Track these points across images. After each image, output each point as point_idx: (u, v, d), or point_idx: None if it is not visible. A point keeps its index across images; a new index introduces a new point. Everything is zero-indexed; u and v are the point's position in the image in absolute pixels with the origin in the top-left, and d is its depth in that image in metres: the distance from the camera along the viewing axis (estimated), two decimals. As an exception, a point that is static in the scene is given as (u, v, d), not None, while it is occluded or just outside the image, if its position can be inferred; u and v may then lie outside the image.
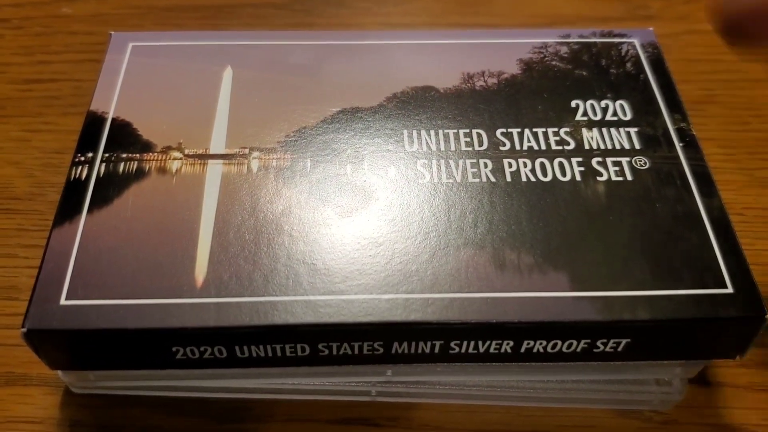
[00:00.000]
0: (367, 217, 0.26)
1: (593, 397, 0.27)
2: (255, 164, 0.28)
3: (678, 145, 0.29)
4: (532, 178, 0.27)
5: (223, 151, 0.29)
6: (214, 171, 0.28)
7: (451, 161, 0.28)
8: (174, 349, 0.24)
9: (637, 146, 0.29)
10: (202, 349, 0.25)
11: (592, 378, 0.27)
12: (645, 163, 0.28)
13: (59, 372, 0.26)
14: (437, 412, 0.27)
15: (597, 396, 0.27)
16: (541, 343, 0.24)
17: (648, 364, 0.26)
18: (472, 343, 0.24)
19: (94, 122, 0.29)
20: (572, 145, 0.28)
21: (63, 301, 0.24)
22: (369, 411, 0.27)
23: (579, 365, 0.26)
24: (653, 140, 0.29)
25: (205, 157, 0.28)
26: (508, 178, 0.27)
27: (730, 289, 0.24)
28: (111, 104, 0.30)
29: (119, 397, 0.28)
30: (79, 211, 0.26)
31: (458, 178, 0.27)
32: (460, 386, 0.27)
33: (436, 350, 0.25)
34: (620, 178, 0.27)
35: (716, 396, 0.28)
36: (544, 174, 0.28)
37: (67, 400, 0.28)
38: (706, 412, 0.28)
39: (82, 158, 0.28)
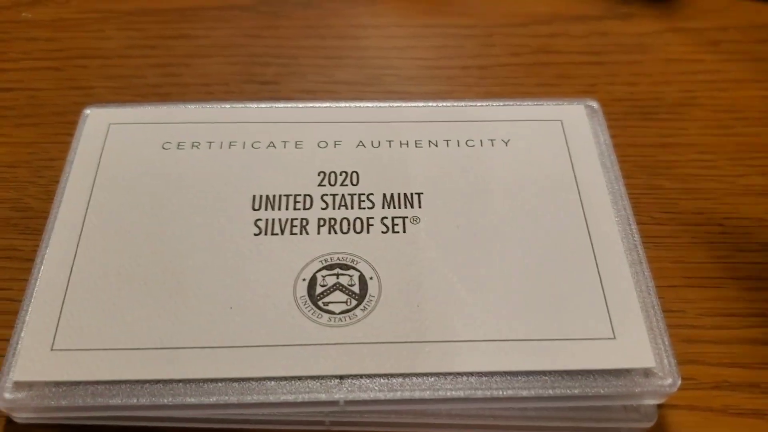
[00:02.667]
0: None
1: (557, 425, 0.26)
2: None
3: None
4: None
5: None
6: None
7: None
8: None
9: None
10: None
11: (556, 405, 0.25)
12: None
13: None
14: (395, 441, 0.26)
15: (561, 424, 0.26)
16: None
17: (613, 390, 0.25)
18: None
19: None
20: None
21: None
22: (323, 440, 0.26)
23: (542, 393, 0.25)
24: None
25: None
26: None
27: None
28: None
29: (67, 426, 0.26)
30: None
31: None
32: (419, 415, 0.26)
33: None
34: None
35: (689, 421, 0.27)
36: None
37: (9, 430, 0.26)
38: (677, 439, 0.26)
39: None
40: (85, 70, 0.39)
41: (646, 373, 0.25)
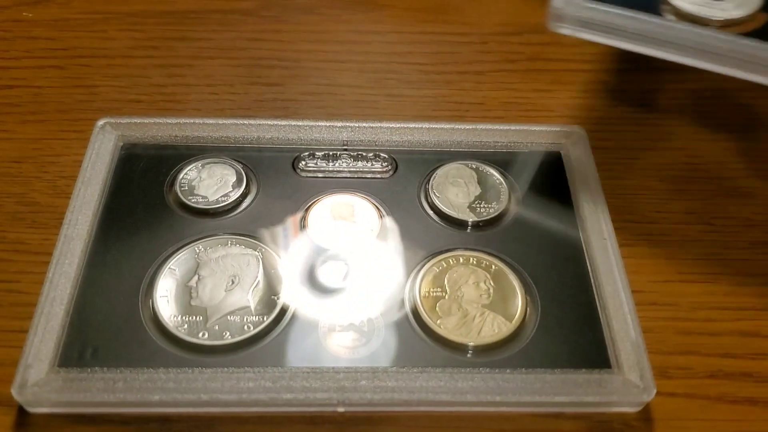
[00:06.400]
0: None
1: (553, 400, 0.26)
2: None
3: None
4: None
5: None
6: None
7: None
8: None
9: None
10: None
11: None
12: None
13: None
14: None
15: (561, 399, 0.27)
16: None
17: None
18: None
19: None
20: None
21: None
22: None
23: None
24: None
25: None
26: None
27: None
28: None
29: (77, 415, 0.27)
30: None
31: None
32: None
33: None
34: None
35: (687, 408, 0.28)
36: None
37: (22, 420, 0.26)
38: (675, 425, 0.27)
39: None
40: (89, 69, 0.39)
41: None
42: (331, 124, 0.34)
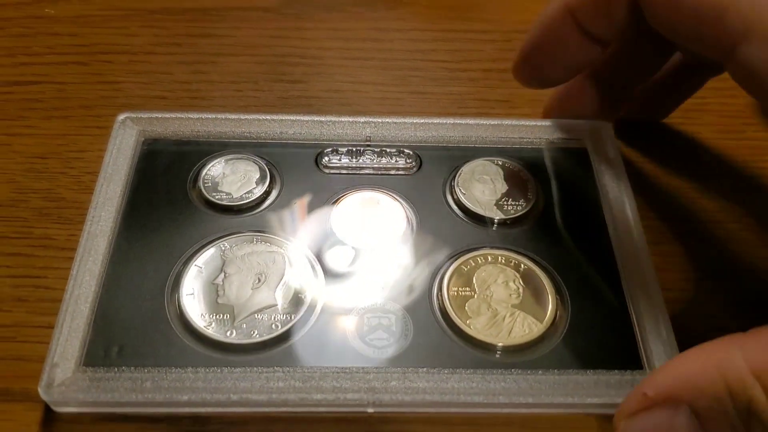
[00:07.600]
0: None
1: (596, 402, 0.26)
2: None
3: None
4: None
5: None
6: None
7: None
8: None
9: None
10: None
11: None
12: None
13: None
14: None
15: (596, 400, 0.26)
16: None
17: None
18: None
19: None
20: None
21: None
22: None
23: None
24: None
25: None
26: None
27: None
28: None
29: (104, 414, 0.26)
30: None
31: None
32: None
33: None
34: None
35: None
36: None
37: (50, 416, 0.26)
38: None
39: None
40: (111, 66, 0.39)
41: None
42: (354, 119, 0.34)
